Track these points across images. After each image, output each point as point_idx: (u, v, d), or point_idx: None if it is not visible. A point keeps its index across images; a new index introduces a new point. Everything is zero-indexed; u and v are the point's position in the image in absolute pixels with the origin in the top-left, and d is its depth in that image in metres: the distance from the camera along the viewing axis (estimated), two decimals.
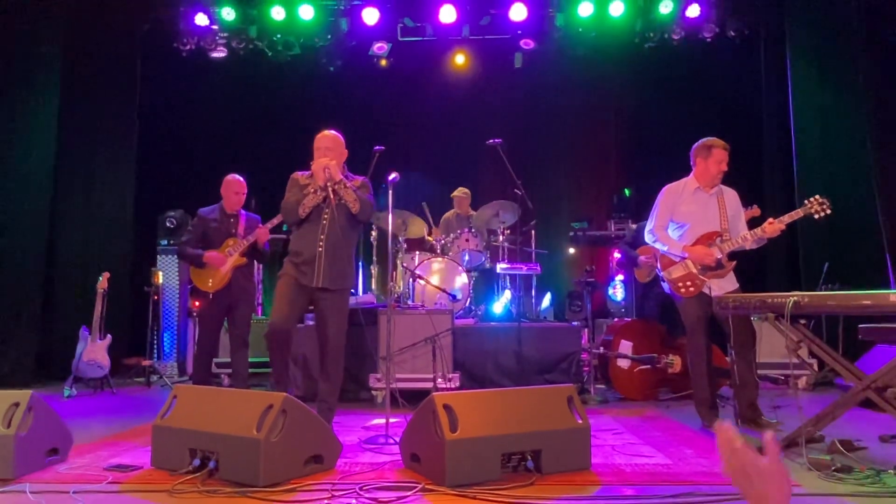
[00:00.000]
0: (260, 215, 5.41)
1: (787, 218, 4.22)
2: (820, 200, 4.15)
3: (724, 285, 4.35)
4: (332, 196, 4.07)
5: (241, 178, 5.36)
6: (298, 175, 4.32)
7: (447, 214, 7.72)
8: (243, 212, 5.31)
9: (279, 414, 3.00)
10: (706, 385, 4.36)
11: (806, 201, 4.20)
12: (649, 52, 8.29)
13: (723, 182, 4.54)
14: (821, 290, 5.94)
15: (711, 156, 4.43)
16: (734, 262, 4.39)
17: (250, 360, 5.24)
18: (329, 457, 3.31)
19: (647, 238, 4.67)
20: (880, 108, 5.95)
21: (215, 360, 5.74)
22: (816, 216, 4.17)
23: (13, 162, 6.84)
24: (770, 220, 4.23)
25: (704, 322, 4.36)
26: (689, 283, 4.36)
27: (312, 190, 4.13)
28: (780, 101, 7.62)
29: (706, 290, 4.31)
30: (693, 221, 4.44)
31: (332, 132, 4.30)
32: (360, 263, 7.37)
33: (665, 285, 4.53)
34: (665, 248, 4.49)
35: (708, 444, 3.82)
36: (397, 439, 3.61)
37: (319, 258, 4.09)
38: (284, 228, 5.52)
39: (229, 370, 5.59)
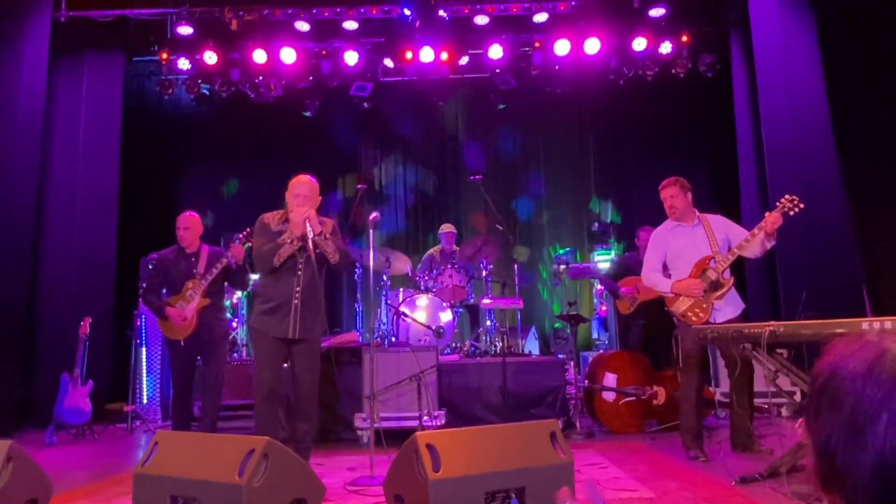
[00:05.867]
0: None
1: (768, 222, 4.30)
2: (790, 198, 4.25)
3: (727, 312, 4.41)
4: (310, 248, 3.91)
5: (193, 214, 5.12)
6: (268, 218, 4.18)
7: (431, 251, 7.75)
8: (206, 247, 5.09)
9: (261, 458, 2.98)
10: (694, 413, 4.40)
11: (777, 203, 4.28)
12: (625, 88, 8.46)
13: (702, 212, 4.68)
14: (799, 319, 6.00)
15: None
16: (732, 279, 4.44)
17: (228, 402, 5.12)
18: (313, 500, 3.27)
19: (644, 282, 4.87)
20: (848, 138, 6.10)
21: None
22: (791, 213, 4.24)
23: None
24: (767, 213, 4.27)
25: (702, 351, 4.43)
26: (697, 311, 4.40)
27: (289, 240, 3.99)
28: (755, 134, 7.77)
29: (711, 320, 4.37)
30: (685, 254, 4.56)
31: (309, 178, 4.15)
32: (345, 301, 7.37)
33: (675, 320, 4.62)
34: (658, 289, 4.64)
35: (692, 477, 3.83)
36: (382, 480, 3.59)
37: (295, 309, 4.02)
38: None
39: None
